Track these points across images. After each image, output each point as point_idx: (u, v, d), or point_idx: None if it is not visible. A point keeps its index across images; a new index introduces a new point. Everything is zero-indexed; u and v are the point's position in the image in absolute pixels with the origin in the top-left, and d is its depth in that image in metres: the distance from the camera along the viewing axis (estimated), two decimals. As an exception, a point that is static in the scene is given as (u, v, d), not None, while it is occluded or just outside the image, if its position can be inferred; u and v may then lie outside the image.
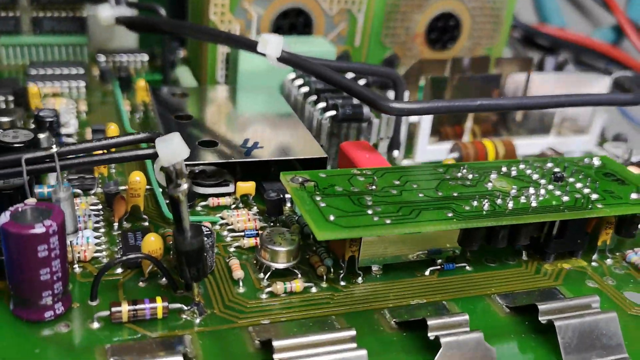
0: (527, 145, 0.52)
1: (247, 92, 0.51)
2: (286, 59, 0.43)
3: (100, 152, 0.33)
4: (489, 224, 0.35)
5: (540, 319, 0.33)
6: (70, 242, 0.33)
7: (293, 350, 0.29)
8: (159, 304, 0.31)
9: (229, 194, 0.42)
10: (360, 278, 0.36)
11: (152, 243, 0.33)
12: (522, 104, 0.41)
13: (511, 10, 0.62)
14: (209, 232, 0.35)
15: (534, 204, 0.37)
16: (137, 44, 0.63)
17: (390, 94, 0.50)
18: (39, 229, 0.28)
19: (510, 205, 0.36)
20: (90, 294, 0.32)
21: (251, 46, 0.44)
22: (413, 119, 0.49)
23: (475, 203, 0.36)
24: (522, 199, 0.37)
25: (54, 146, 0.31)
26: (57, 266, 0.30)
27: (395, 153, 0.49)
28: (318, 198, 0.35)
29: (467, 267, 0.38)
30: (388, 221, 0.33)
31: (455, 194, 0.37)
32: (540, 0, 0.83)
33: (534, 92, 0.51)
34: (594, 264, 0.40)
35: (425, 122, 0.48)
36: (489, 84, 0.50)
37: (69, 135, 0.47)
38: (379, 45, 0.60)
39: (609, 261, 0.40)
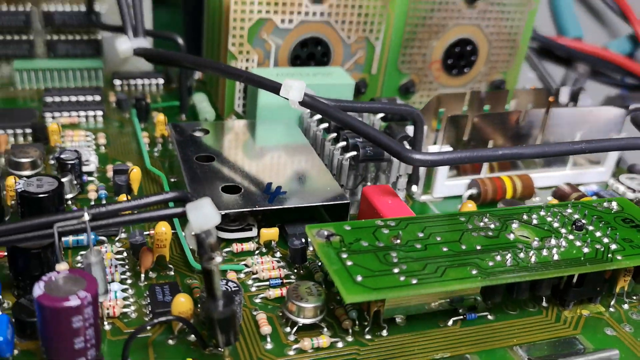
0: (544, 177, 0.52)
1: (266, 128, 0.51)
2: (308, 103, 0.43)
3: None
4: (512, 281, 0.36)
5: (562, 378, 0.34)
6: (101, 302, 0.34)
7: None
8: (190, 365, 0.32)
9: (252, 239, 0.42)
10: (385, 331, 0.37)
11: (182, 304, 0.33)
12: (542, 152, 0.41)
13: (528, 35, 0.62)
14: (237, 289, 0.35)
15: (555, 257, 0.37)
16: (153, 66, 0.63)
17: (410, 129, 0.50)
18: (73, 302, 0.29)
19: (533, 259, 0.37)
20: (122, 356, 0.32)
21: (274, 89, 0.44)
22: (432, 155, 0.49)
23: (498, 257, 0.36)
24: (544, 252, 0.37)
25: (85, 214, 0.31)
26: (90, 334, 0.30)
27: (414, 188, 0.50)
28: (344, 255, 0.35)
29: (489, 317, 0.39)
30: (414, 281, 0.34)
31: (478, 247, 0.37)
32: (558, 13, 0.83)
33: (553, 124, 0.52)
34: (611, 309, 0.40)
35: (444, 159, 0.49)
36: (508, 121, 0.50)
37: (89, 174, 0.47)
38: (396, 72, 0.60)
39: (625, 306, 0.41)
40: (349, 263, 0.35)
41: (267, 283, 0.39)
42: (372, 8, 0.55)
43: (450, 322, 0.38)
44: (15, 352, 0.33)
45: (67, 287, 0.30)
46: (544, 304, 0.40)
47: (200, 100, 0.57)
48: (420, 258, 0.36)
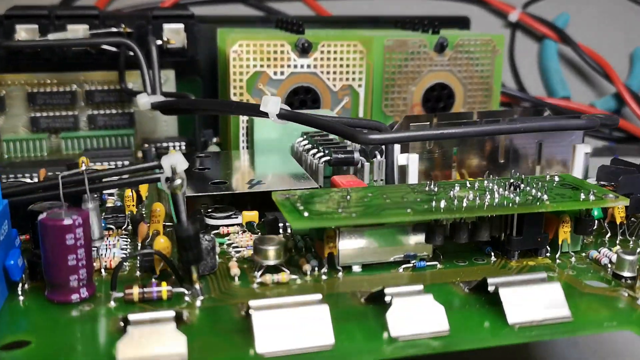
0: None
1: (262, 154, 0.60)
2: (284, 114, 0.52)
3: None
4: (442, 217, 0.41)
5: (489, 288, 0.38)
6: (97, 248, 0.41)
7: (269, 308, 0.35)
8: (164, 287, 0.38)
9: (238, 225, 0.49)
10: (340, 273, 0.42)
11: (161, 244, 0.40)
12: (484, 131, 0.48)
13: (499, 77, 0.70)
14: (211, 239, 0.42)
15: (487, 203, 0.42)
16: (177, 133, 0.74)
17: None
18: (67, 221, 0.37)
19: (465, 203, 0.42)
20: (110, 285, 0.39)
21: (256, 109, 0.53)
22: (402, 161, 0.56)
23: (433, 203, 0.42)
24: (478, 201, 0.43)
25: (83, 165, 0.40)
26: (81, 254, 0.37)
27: (389, 193, 0.56)
28: (298, 204, 0.42)
29: (439, 265, 0.43)
30: (354, 214, 0.40)
31: (418, 199, 0.43)
32: (548, 75, 0.91)
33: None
34: (558, 261, 0.44)
35: (413, 164, 0.55)
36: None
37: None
38: (381, 115, 0.68)
39: (572, 259, 0.45)
40: (300, 207, 0.41)
41: (244, 248, 0.45)
42: (352, 60, 0.65)
43: (401, 269, 0.43)
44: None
45: (65, 215, 0.38)
46: (493, 258, 0.45)
47: (213, 150, 0.67)
48: (364, 205, 0.42)
